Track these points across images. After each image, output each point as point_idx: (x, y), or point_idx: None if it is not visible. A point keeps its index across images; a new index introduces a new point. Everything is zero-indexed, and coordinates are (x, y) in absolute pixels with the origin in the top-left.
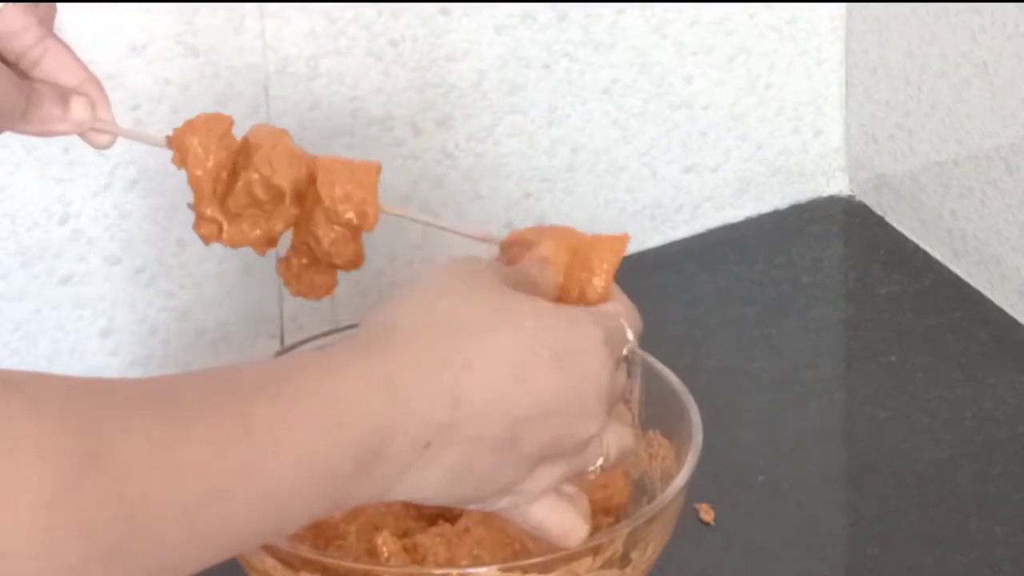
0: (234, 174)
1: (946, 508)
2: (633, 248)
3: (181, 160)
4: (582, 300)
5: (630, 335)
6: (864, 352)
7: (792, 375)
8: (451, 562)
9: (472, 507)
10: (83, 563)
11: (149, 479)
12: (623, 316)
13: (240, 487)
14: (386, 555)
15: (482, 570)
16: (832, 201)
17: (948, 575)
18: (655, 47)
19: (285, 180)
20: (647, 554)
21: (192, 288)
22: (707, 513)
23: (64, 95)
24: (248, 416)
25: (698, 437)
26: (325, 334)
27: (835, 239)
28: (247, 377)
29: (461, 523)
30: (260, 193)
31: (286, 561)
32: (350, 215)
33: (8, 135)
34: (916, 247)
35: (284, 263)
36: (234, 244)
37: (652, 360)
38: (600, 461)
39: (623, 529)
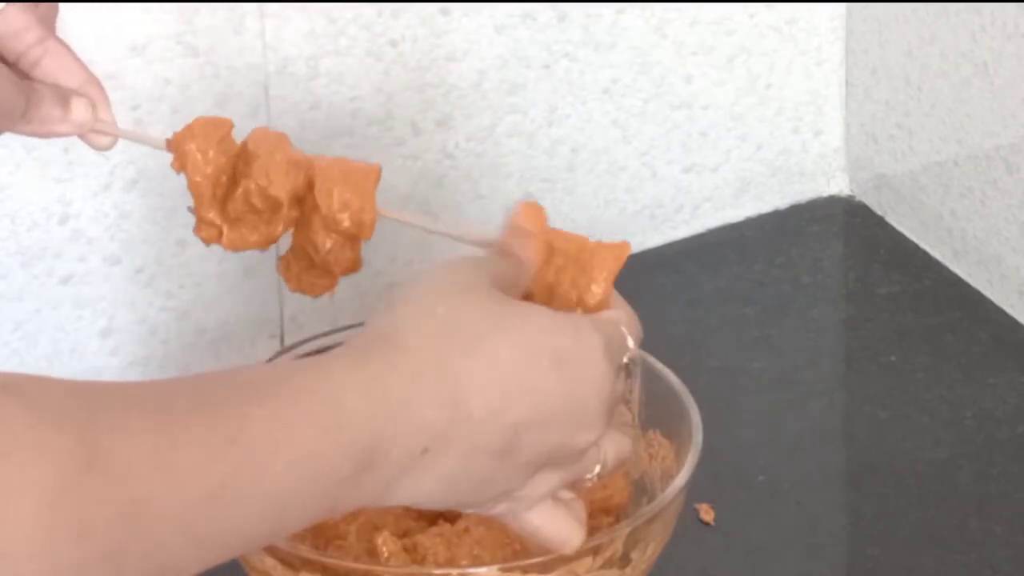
0: (233, 178)
1: (946, 508)
2: (633, 248)
3: (180, 165)
4: (581, 307)
5: (631, 343)
6: (864, 352)
7: (792, 375)
8: (451, 562)
9: (469, 511)
10: (82, 564)
11: (147, 481)
12: (624, 323)
13: (238, 489)
14: (386, 555)
15: (482, 570)
16: (832, 201)
17: (948, 575)
18: (655, 47)
19: (282, 191)
20: (647, 554)
21: (192, 288)
22: (707, 513)
23: (65, 96)
24: (246, 418)
25: (698, 437)
26: (325, 334)
27: (835, 239)
28: (245, 380)
29: (461, 523)
30: (258, 202)
31: (286, 561)
32: (347, 224)
33: (8, 135)
34: (916, 247)
35: (284, 263)
36: (234, 248)
37: (652, 360)
38: (597, 469)
39: (623, 529)
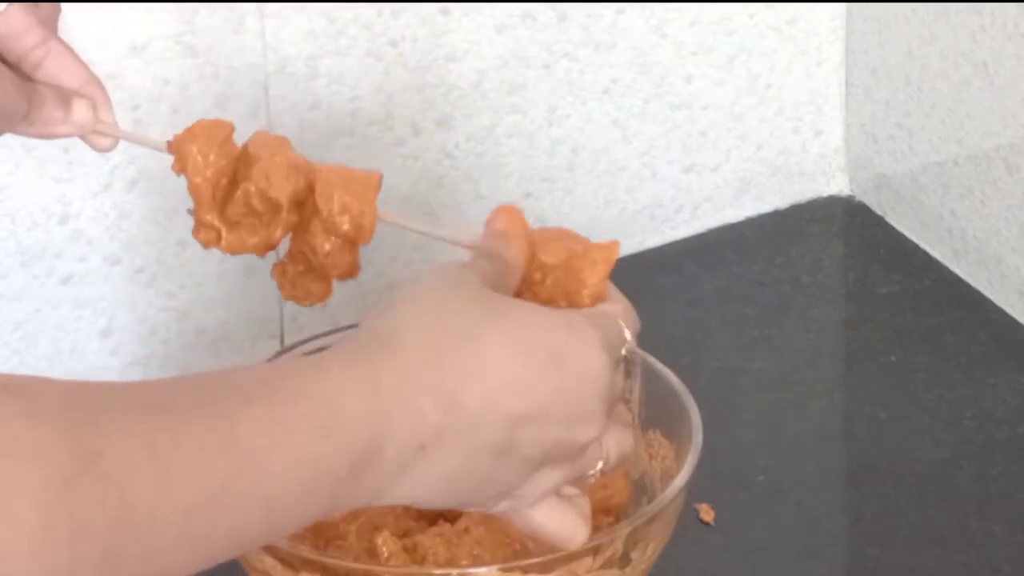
0: (234, 181)
1: (946, 508)
2: (633, 248)
3: (181, 167)
4: (575, 308)
5: (628, 335)
6: (864, 352)
7: (792, 375)
8: (451, 562)
9: (472, 510)
10: (77, 565)
11: (144, 483)
12: (620, 316)
13: (236, 491)
14: (386, 555)
15: (482, 570)
16: (832, 201)
17: (948, 575)
18: (655, 47)
19: (282, 194)
20: (647, 554)
21: (192, 288)
22: (707, 513)
23: (66, 97)
24: (242, 420)
25: (698, 437)
26: (325, 334)
27: (835, 239)
28: (241, 381)
29: (461, 523)
30: (257, 205)
31: (286, 561)
32: (347, 227)
33: (8, 135)
34: (916, 247)
35: (279, 268)
36: (233, 251)
37: (652, 360)
38: (600, 465)
39: (623, 529)
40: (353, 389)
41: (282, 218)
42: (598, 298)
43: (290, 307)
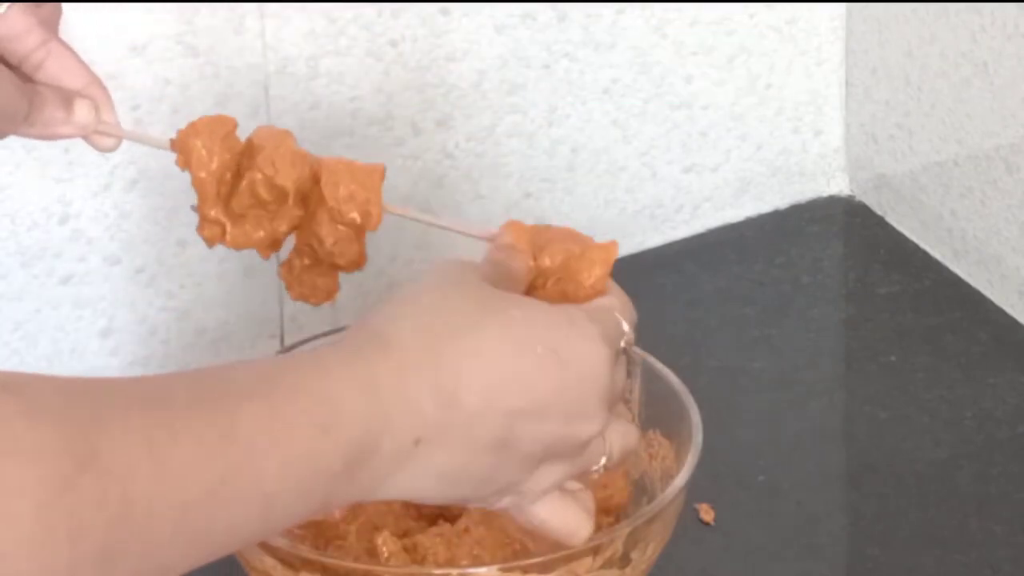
0: (238, 176)
1: (946, 508)
2: (633, 248)
3: (185, 162)
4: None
5: (626, 327)
6: (864, 352)
7: (792, 375)
8: (451, 562)
9: (474, 506)
10: (76, 563)
11: (142, 480)
12: (617, 309)
13: (233, 486)
14: (386, 555)
15: (482, 570)
16: (832, 201)
17: (948, 575)
18: (655, 47)
19: (288, 180)
20: (647, 554)
21: (192, 288)
22: (707, 513)
23: (67, 98)
24: (241, 416)
25: (698, 437)
26: (325, 334)
27: (835, 239)
28: (240, 376)
29: (461, 523)
30: (264, 193)
31: (286, 561)
32: (354, 215)
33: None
34: (916, 247)
35: (286, 265)
36: (237, 246)
37: (652, 360)
38: (603, 460)
39: (623, 529)
40: (351, 387)
41: (288, 209)
42: (597, 295)
43: (290, 307)
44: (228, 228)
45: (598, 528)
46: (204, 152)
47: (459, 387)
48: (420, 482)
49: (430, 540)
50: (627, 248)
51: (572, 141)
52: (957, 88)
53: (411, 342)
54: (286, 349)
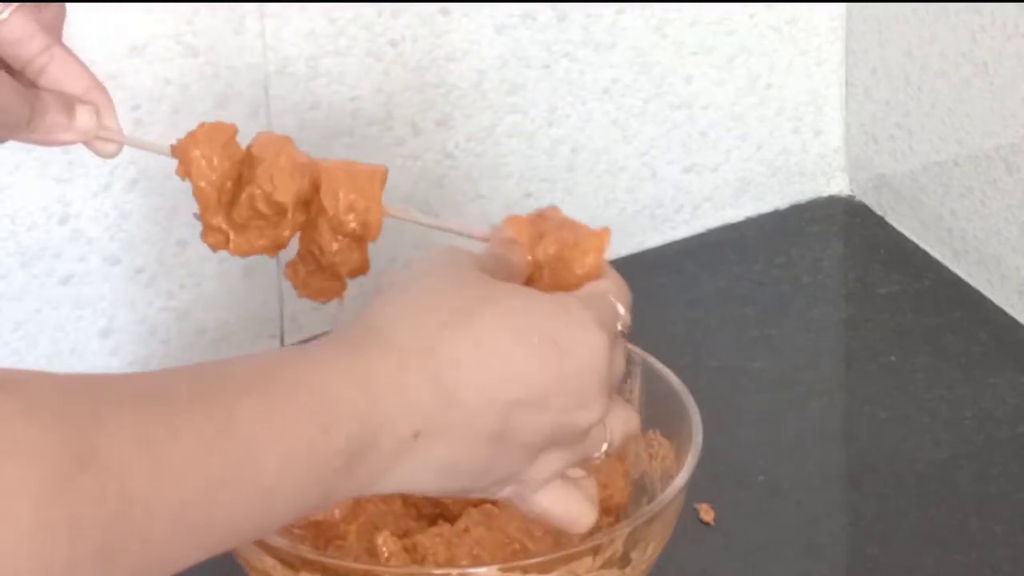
0: (238, 183)
1: (946, 508)
2: (633, 248)
3: (185, 172)
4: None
5: (621, 310)
6: (864, 352)
7: (792, 375)
8: (451, 562)
9: (475, 496)
10: (75, 561)
11: (141, 476)
12: (612, 292)
13: (231, 482)
14: (386, 555)
15: (482, 570)
16: (832, 201)
17: (948, 575)
18: (655, 47)
19: (287, 195)
20: (647, 554)
21: (192, 288)
22: (707, 513)
23: (69, 103)
24: (239, 411)
25: (698, 437)
26: (325, 334)
27: (835, 239)
28: (238, 371)
29: (461, 523)
30: (263, 208)
31: (286, 561)
32: (354, 225)
33: None
34: (916, 247)
35: (291, 267)
36: (242, 253)
37: (652, 360)
38: (605, 447)
39: (623, 529)
40: (348, 383)
41: (289, 219)
42: (591, 279)
43: (290, 307)
44: (231, 237)
45: (598, 528)
46: (204, 162)
47: (457, 379)
48: (420, 475)
49: (430, 540)
50: (627, 248)
51: (572, 141)
52: (957, 88)
53: (407, 335)
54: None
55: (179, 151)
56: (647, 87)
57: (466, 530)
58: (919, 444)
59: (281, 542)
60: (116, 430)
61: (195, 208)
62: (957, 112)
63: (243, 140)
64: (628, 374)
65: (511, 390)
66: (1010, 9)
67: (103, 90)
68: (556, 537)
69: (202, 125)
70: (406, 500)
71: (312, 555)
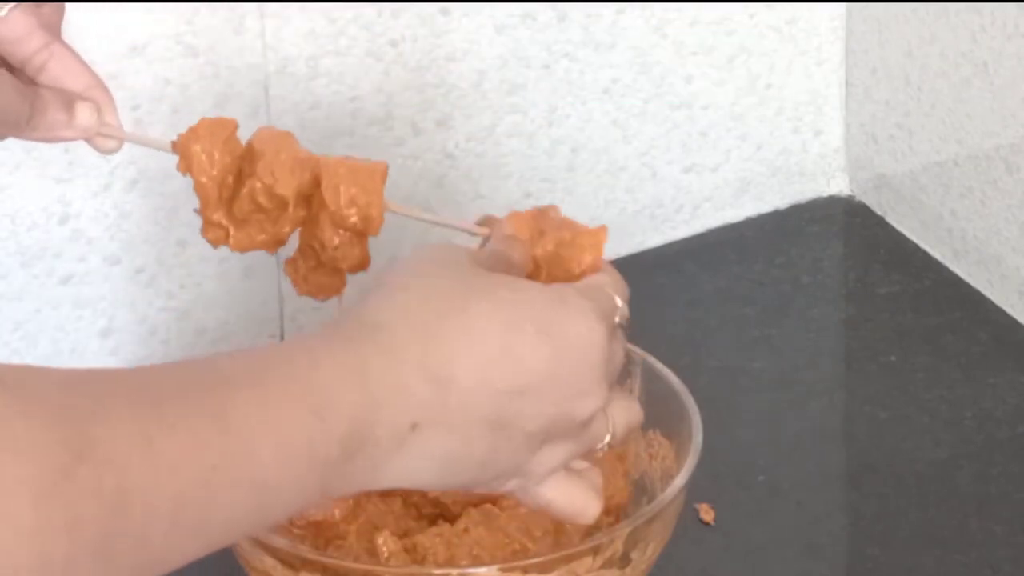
0: (239, 178)
1: (946, 508)
2: (633, 248)
3: (186, 167)
4: None
5: (619, 301)
6: (864, 352)
7: (792, 375)
8: (451, 562)
9: (479, 491)
10: (73, 556)
11: (137, 470)
12: (609, 285)
13: (226, 475)
14: (386, 555)
15: (482, 570)
16: (832, 201)
17: (948, 575)
18: (655, 47)
19: (288, 189)
20: (647, 554)
21: (192, 288)
22: (707, 513)
23: (69, 101)
24: (234, 404)
25: (698, 437)
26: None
27: (835, 239)
28: (233, 365)
29: (461, 523)
30: (264, 202)
31: (286, 561)
32: (354, 219)
33: None
34: (916, 247)
35: (291, 264)
36: (242, 249)
37: (652, 360)
38: (607, 438)
39: (623, 529)
40: (342, 376)
41: (289, 214)
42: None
43: (290, 307)
44: (231, 232)
45: (598, 528)
46: (204, 157)
47: (450, 368)
48: (420, 468)
49: (430, 540)
50: (627, 248)
51: (572, 141)
52: (957, 88)
53: (400, 327)
54: None
55: (180, 146)
56: (647, 87)
57: (466, 530)
58: (919, 444)
59: (281, 542)
60: (113, 425)
61: (195, 204)
62: (957, 112)
63: (243, 140)
64: (628, 374)
65: (507, 379)
66: (1010, 9)
67: (103, 87)
68: (556, 537)
69: (203, 120)
70: (406, 500)
71: (312, 555)
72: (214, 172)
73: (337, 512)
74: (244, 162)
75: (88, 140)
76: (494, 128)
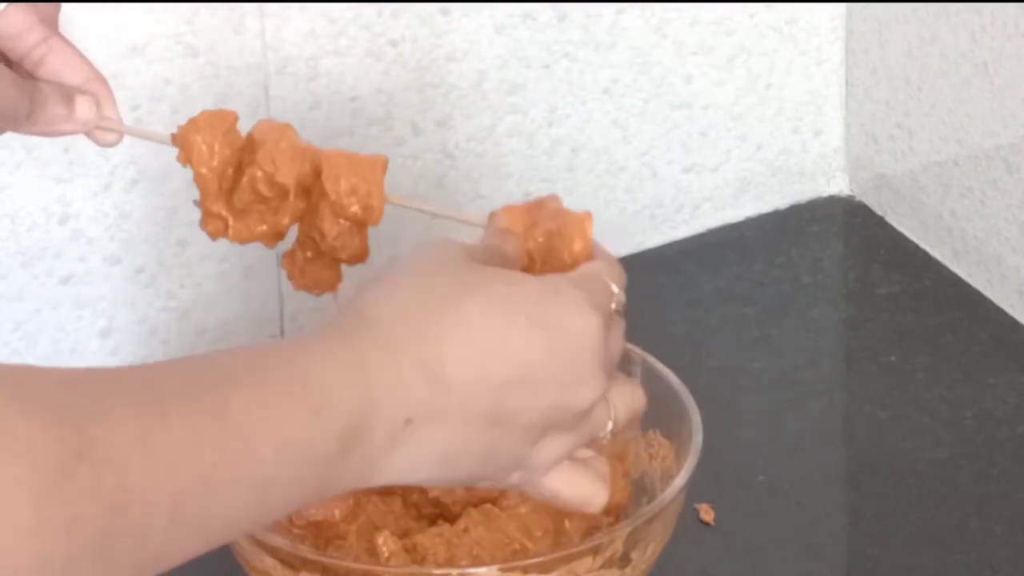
0: (239, 170)
1: (946, 508)
2: (633, 248)
3: (186, 158)
4: None
5: (615, 288)
6: (864, 352)
7: (792, 375)
8: (451, 562)
9: (483, 486)
10: (73, 554)
11: (137, 468)
12: (604, 273)
13: (225, 472)
14: (386, 555)
15: (482, 570)
16: (832, 201)
17: (948, 575)
18: (655, 47)
19: (288, 177)
20: (647, 554)
21: (192, 288)
22: (707, 513)
23: (68, 94)
24: (232, 401)
25: (698, 437)
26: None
27: (835, 239)
28: (231, 363)
29: (461, 523)
30: (264, 190)
31: (286, 561)
32: (355, 208)
33: (8, 135)
34: (916, 247)
35: (288, 257)
36: (241, 240)
37: (652, 360)
38: (610, 426)
39: (623, 529)
40: (338, 372)
41: (289, 203)
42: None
43: (290, 307)
44: (231, 222)
45: (598, 528)
46: (205, 148)
47: (444, 362)
48: (420, 464)
49: (430, 540)
50: (627, 248)
51: (572, 141)
52: (957, 88)
53: (396, 322)
54: None
55: (180, 138)
56: (647, 87)
57: (466, 530)
58: (919, 444)
59: (281, 542)
60: (113, 424)
61: (196, 198)
62: (957, 112)
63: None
64: (628, 374)
65: (502, 371)
66: (1010, 9)
67: (102, 80)
68: (556, 537)
69: (203, 112)
70: (406, 500)
71: (312, 555)
72: (214, 163)
73: (337, 512)
74: (244, 153)
75: (88, 133)
76: (494, 128)
